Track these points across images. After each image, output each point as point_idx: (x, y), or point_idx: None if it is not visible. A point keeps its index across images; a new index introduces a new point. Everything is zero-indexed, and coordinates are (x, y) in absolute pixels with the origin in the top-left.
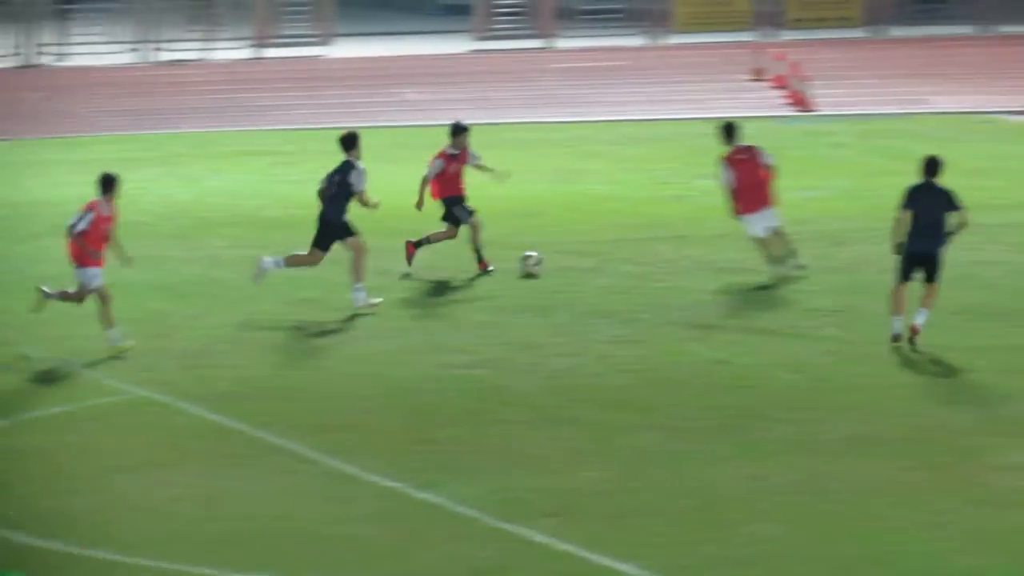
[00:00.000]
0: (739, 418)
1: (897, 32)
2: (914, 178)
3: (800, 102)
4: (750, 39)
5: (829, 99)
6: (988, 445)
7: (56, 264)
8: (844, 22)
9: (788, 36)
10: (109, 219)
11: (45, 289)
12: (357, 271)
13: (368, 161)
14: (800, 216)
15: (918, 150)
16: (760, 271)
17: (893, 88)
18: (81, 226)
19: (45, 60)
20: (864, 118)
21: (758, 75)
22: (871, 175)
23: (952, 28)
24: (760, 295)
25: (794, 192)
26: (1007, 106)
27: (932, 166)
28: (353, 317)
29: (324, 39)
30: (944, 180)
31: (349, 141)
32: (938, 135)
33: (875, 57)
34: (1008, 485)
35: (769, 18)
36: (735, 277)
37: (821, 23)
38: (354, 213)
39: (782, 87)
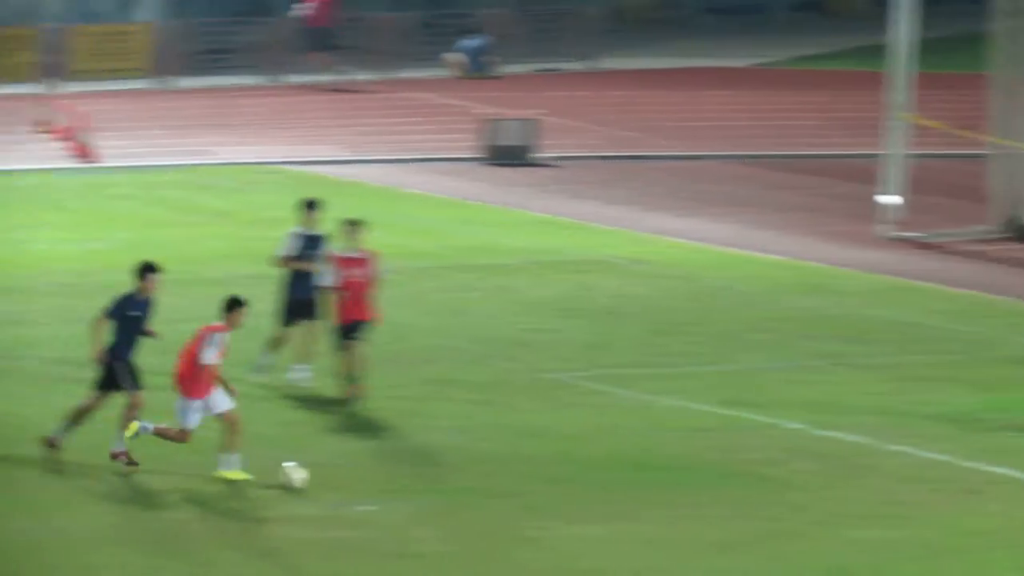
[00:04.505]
0: None
1: (185, 83)
2: (200, 228)
3: (84, 153)
4: (35, 91)
5: (113, 150)
6: (269, 498)
7: None
8: (132, 73)
9: (73, 87)
10: None
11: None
12: None
13: None
14: (84, 268)
15: (203, 201)
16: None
17: (179, 139)
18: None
19: None
20: (148, 169)
21: (43, 127)
22: (156, 226)
23: (239, 78)
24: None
25: (77, 244)
26: (291, 156)
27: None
28: None
29: None
30: (228, 232)
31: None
32: (224, 185)
33: (161, 108)
34: (293, 536)
35: (53, 69)
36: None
37: (108, 74)
38: None
39: (66, 138)
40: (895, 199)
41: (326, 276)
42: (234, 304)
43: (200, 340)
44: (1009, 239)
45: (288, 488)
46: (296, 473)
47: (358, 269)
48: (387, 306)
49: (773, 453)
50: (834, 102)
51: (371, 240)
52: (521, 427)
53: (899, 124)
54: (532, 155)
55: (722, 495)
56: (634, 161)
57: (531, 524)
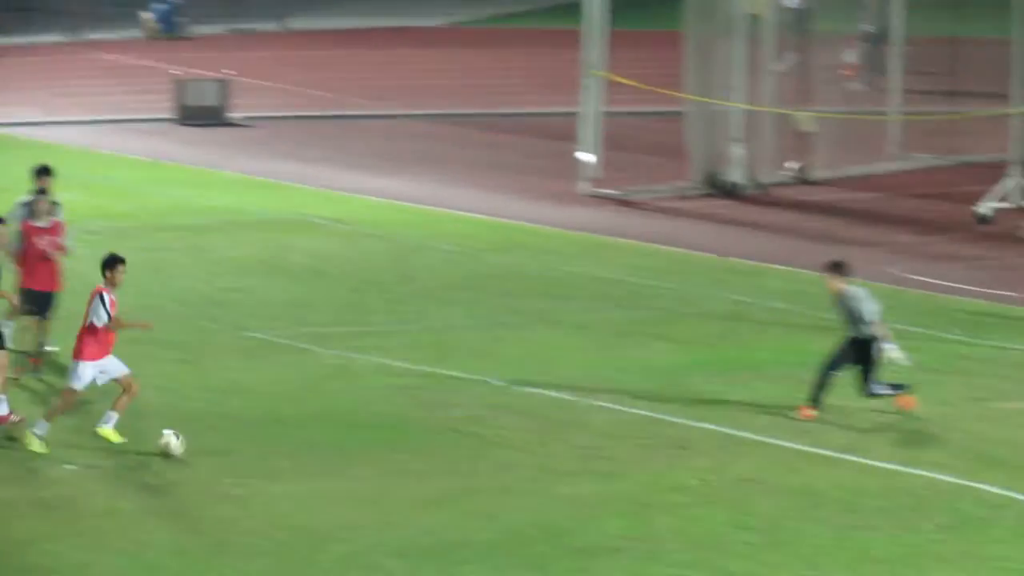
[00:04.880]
0: None
1: None
2: None
3: None
4: None
5: None
6: None
7: None
8: None
9: None
10: None
11: None
12: None
13: None
14: None
15: None
16: None
17: None
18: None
19: None
20: None
21: None
22: None
23: None
24: None
25: None
26: None
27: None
28: None
29: None
30: None
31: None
32: None
33: None
34: None
35: None
36: None
37: None
38: None
39: None
40: (592, 157)
41: (12, 244)
42: (113, 262)
43: (89, 303)
44: (707, 195)
45: (167, 454)
46: (173, 441)
47: (46, 238)
48: (85, 266)
49: (478, 410)
50: (531, 61)
51: (67, 201)
52: (226, 386)
53: (594, 82)
54: (226, 115)
55: (428, 452)
56: (329, 121)
57: (237, 482)
